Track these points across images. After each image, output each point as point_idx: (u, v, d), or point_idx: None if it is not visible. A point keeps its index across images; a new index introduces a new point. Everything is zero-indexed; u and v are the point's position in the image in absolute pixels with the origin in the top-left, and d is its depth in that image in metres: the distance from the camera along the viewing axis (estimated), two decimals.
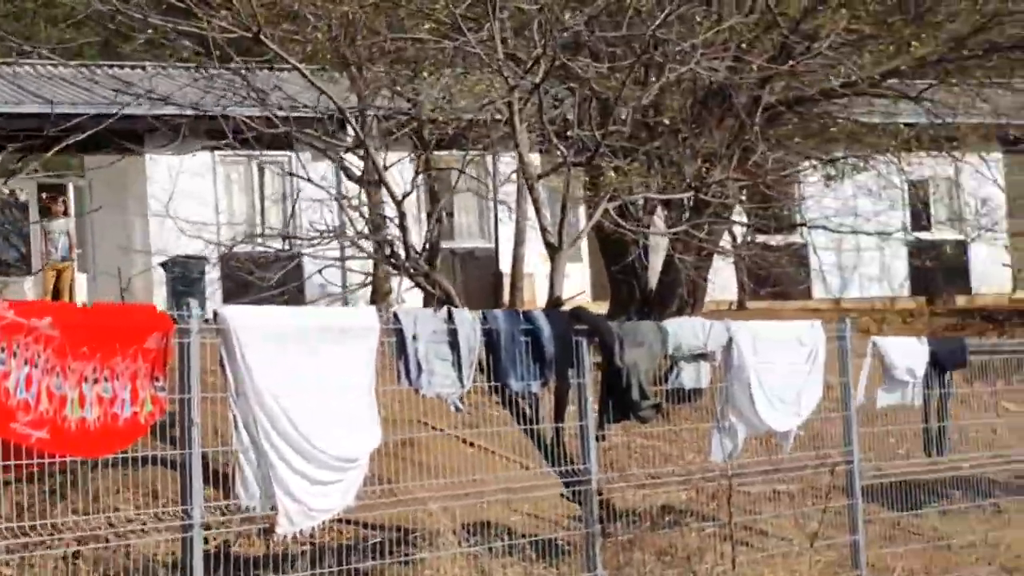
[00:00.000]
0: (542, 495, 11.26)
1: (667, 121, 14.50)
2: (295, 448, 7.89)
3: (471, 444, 12.46)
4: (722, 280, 24.84)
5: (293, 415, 7.87)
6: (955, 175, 28.11)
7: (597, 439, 9.93)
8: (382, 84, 15.14)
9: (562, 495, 10.67)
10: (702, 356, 10.75)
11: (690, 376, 10.67)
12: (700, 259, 17.26)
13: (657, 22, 11.62)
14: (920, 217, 29.33)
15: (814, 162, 22.14)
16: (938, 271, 29.36)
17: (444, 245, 24.65)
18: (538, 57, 10.86)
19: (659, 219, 16.98)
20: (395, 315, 8.46)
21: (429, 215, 19.59)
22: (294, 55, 13.49)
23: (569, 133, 11.15)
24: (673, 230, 14.64)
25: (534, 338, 9.42)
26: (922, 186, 28.62)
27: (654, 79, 12.11)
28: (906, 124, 19.65)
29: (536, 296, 22.68)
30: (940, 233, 29.65)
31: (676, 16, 14.07)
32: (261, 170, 22.04)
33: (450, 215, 25.03)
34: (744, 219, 22.97)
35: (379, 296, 18.63)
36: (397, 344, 8.55)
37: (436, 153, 16.89)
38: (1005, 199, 28.63)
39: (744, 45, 15.06)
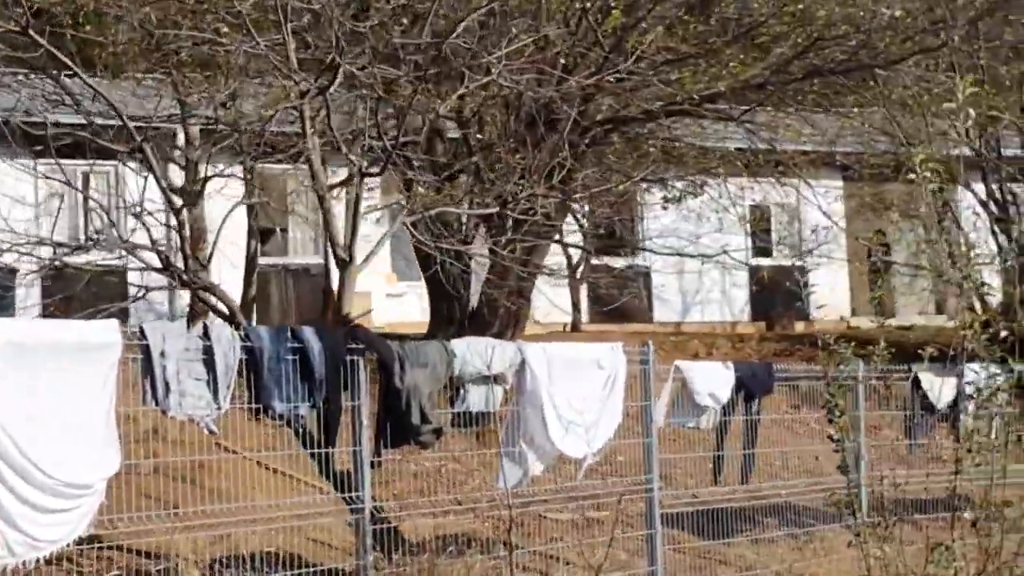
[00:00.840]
0: (326, 521, 10.70)
1: (480, 136, 14.01)
2: (20, 474, 7.22)
3: (271, 469, 11.88)
4: (565, 301, 24.53)
5: (18, 438, 7.20)
6: (796, 201, 28.12)
7: (372, 465, 9.37)
8: (198, 91, 14.47)
9: (348, 523, 10.11)
10: (493, 378, 10.25)
11: (478, 399, 10.15)
12: (522, 279, 16.79)
13: (457, 30, 11.09)
14: (761, 242, 29.24)
15: (648, 185, 21.91)
16: (778, 296, 29.29)
17: (278, 261, 24.04)
18: (330, 62, 10.28)
19: (481, 238, 16.51)
20: (141, 330, 7.82)
21: (251, 230, 18.96)
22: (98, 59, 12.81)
23: (364, 142, 10.62)
24: (471, 248, 14.08)
25: (303, 357, 8.84)
26: (763, 211, 28.55)
27: (462, 89, 11.58)
28: (738, 149, 19.43)
29: (372, 315, 22.06)
30: (780, 259, 29.59)
31: (496, 29, 13.65)
32: (85, 180, 21.12)
33: (283, 230, 24.36)
34: (578, 240, 22.82)
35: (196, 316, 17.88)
36: (143, 361, 7.92)
37: (265, 165, 16.27)
38: (845, 225, 28.67)
39: (564, 61, 14.64)
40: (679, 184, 20.91)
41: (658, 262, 26.78)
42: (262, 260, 20.61)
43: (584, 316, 25.17)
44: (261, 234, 20.33)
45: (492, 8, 12.95)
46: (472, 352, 10.03)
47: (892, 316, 29.69)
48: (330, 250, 10.94)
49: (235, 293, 15.35)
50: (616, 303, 26.01)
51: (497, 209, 11.75)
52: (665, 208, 23.07)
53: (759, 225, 28.53)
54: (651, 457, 11.55)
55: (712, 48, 14.76)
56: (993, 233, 21.53)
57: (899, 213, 22.47)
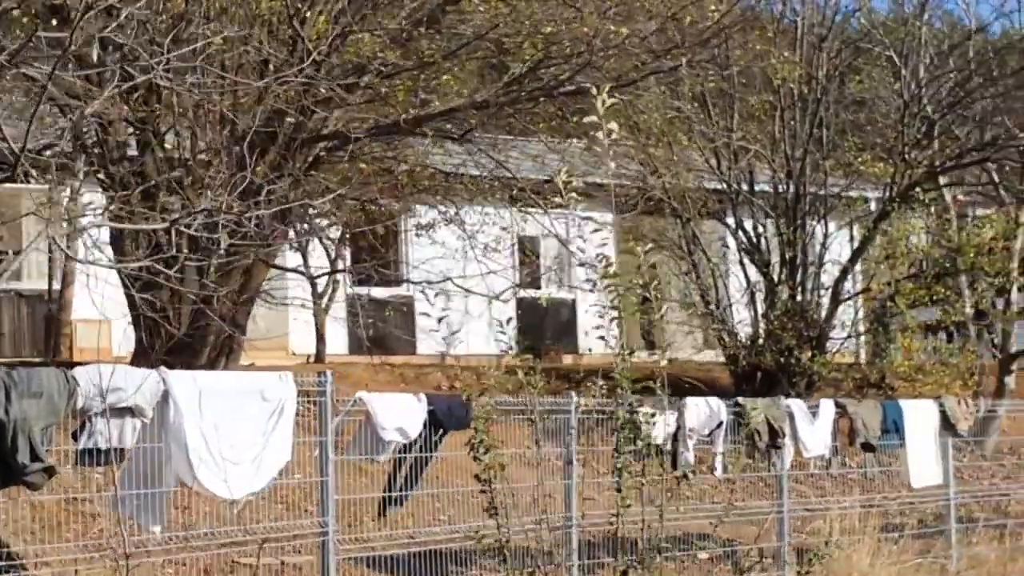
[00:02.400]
0: None
1: (166, 148, 12.85)
2: None
3: None
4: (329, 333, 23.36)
5: None
6: (566, 232, 27.40)
7: None
8: None
9: None
10: (128, 411, 9.03)
11: (108, 434, 8.92)
12: (237, 305, 15.58)
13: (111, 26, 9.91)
14: (529, 274, 28.38)
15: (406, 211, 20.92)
16: (547, 329, 28.48)
17: (9, 286, 22.33)
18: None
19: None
20: None
21: None
22: None
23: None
24: (128, 264, 12.77)
25: None
26: (531, 243, 27.76)
27: (112, 89, 10.36)
28: (474, 176, 18.47)
29: (101, 344, 20.57)
30: (549, 291, 28.76)
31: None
32: None
33: (16, 252, 22.68)
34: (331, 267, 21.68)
35: None
36: None
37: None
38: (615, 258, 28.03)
39: (268, 70, 13.55)
40: (435, 211, 19.89)
41: (422, 293, 25.71)
42: None
43: (344, 347, 23.99)
44: None
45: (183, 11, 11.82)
46: (100, 380, 8.80)
47: (662, 350, 29.20)
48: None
49: None
50: (378, 335, 24.91)
51: (166, 225, 10.51)
52: (418, 235, 22.09)
53: (530, 255, 27.63)
54: (327, 497, 10.44)
55: (429, 62, 13.77)
56: (742, 265, 20.98)
57: (650, 245, 21.76)
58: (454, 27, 14.91)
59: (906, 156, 20.17)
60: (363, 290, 24.61)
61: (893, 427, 15.37)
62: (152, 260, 10.62)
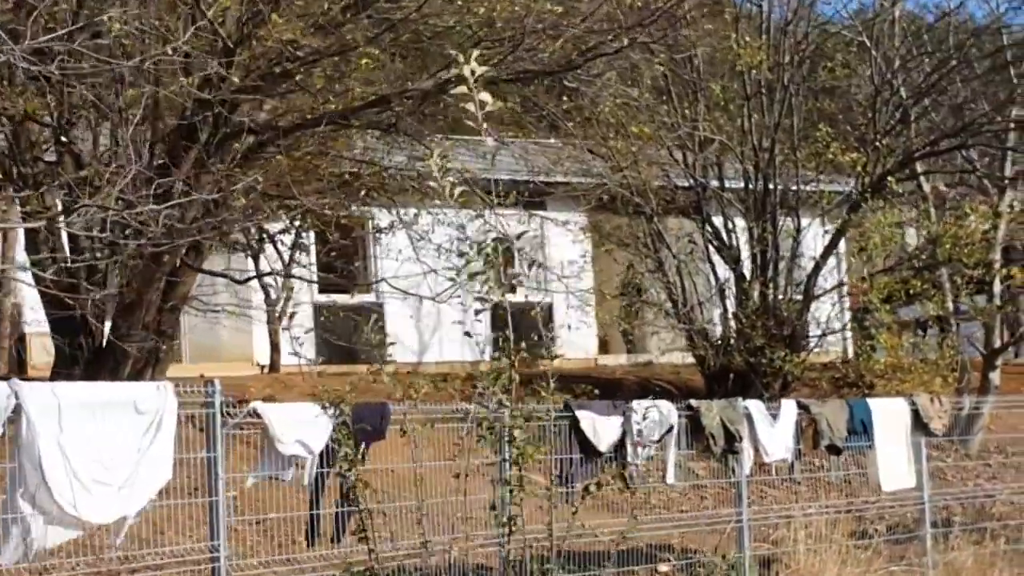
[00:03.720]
0: None
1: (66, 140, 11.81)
2: None
3: None
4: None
5: None
6: (540, 234, 26.34)
7: None
8: None
9: None
10: None
11: None
12: (161, 313, 14.52)
13: None
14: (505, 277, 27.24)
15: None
16: (523, 334, 27.30)
17: None
18: None
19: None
20: None
21: None
22: None
23: None
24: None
25: None
26: (506, 244, 26.66)
27: None
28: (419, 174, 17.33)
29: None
30: (525, 294, 27.65)
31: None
32: None
33: None
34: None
35: None
36: None
37: None
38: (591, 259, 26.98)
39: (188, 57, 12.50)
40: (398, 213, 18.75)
41: (393, 300, 24.63)
42: None
43: (309, 357, 22.84)
44: None
45: None
46: None
47: (636, 352, 28.14)
48: None
49: None
50: (347, 344, 23.83)
51: (43, 223, 9.47)
52: (376, 239, 21.02)
53: (505, 257, 26.43)
54: (217, 520, 9.36)
55: (352, 47, 12.67)
56: (710, 262, 19.88)
57: (615, 243, 20.75)
58: (386, 13, 13.85)
59: (878, 144, 19.05)
60: (325, 298, 23.62)
61: (861, 427, 14.27)
62: (59, 264, 9.54)
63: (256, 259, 20.09)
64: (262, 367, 21.27)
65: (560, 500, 12.29)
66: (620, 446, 12.33)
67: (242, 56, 12.98)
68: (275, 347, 21.13)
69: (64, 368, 14.33)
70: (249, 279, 16.51)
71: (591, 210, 21.05)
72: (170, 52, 12.03)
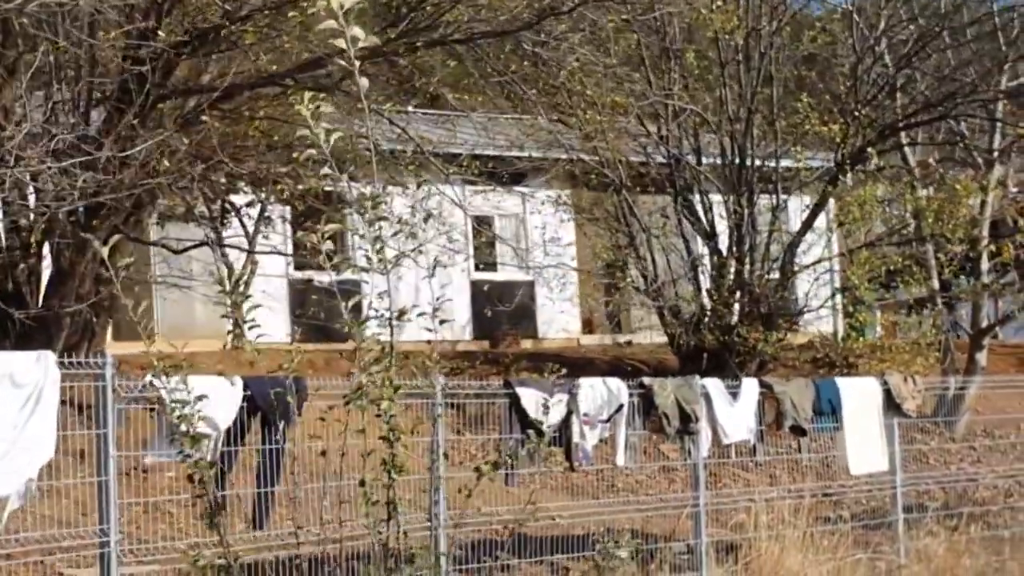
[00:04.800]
0: None
1: None
2: None
3: None
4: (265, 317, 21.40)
5: None
6: (522, 210, 25.54)
7: None
8: None
9: None
10: None
11: None
12: (98, 284, 13.77)
13: None
14: (484, 256, 26.46)
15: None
16: (503, 314, 26.53)
17: None
18: None
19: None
20: None
21: None
22: None
23: None
24: None
25: None
26: (487, 223, 25.84)
27: None
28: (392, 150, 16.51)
29: None
30: (506, 273, 26.85)
31: None
32: None
33: None
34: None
35: None
36: None
37: None
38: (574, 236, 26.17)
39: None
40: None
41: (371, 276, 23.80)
42: None
43: (284, 336, 22.12)
44: None
45: None
46: None
47: (622, 331, 27.32)
48: None
49: None
50: (319, 322, 23.07)
51: None
52: (348, 213, 20.19)
53: (485, 236, 25.67)
54: (107, 503, 8.59)
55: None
56: (683, 237, 19.03)
57: (586, 218, 19.92)
58: None
59: (858, 114, 18.18)
60: (301, 274, 22.88)
61: (829, 408, 13.46)
62: None
63: (218, 232, 19.31)
64: (224, 345, 20.48)
65: (500, 483, 11.67)
66: (566, 426, 11.54)
67: (174, 13, 12.25)
68: (237, 324, 20.33)
69: None
70: (185, 250, 15.72)
71: (559, 184, 20.27)
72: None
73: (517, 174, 20.65)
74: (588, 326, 27.97)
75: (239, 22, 11.90)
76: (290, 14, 11.64)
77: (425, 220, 15.96)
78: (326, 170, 5.82)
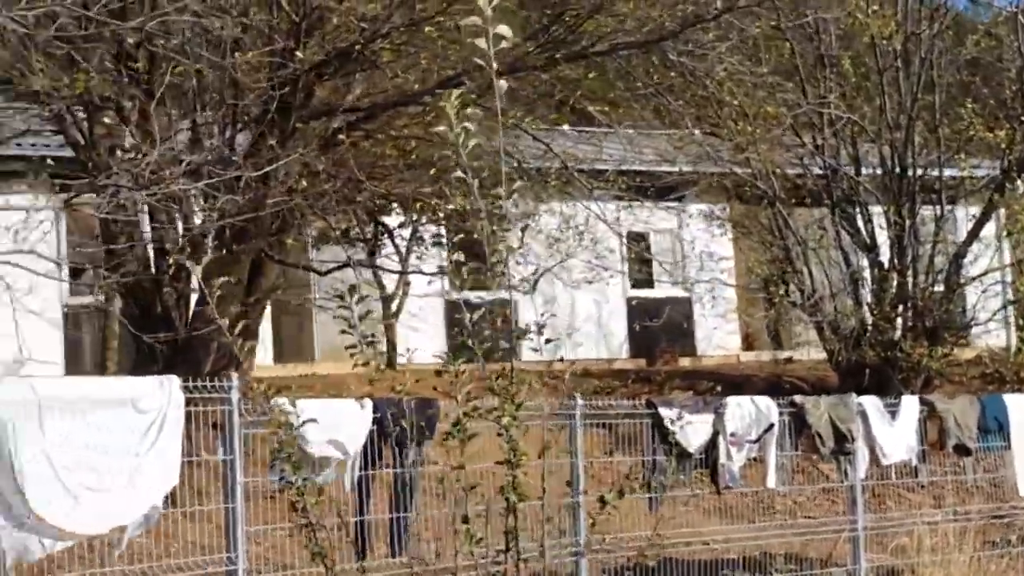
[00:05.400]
0: None
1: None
2: None
3: None
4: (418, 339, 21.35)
5: None
6: (677, 226, 25.01)
7: None
8: None
9: None
10: None
11: None
12: (245, 307, 13.66)
13: None
14: (640, 272, 25.95)
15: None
16: (660, 331, 25.96)
17: None
18: None
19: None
20: None
21: None
22: None
23: None
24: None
25: None
26: (642, 239, 25.35)
27: None
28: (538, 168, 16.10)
29: None
30: (662, 290, 26.27)
31: None
32: None
33: None
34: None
35: None
36: None
37: None
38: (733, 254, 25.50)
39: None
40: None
41: (524, 297, 23.58)
42: None
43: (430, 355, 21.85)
44: None
45: None
46: None
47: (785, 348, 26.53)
48: None
49: None
50: (476, 340, 22.79)
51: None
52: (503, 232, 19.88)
53: (641, 252, 25.16)
54: (235, 528, 8.36)
55: (424, 17, 11.55)
56: (841, 251, 18.29)
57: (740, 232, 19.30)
58: None
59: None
60: (456, 294, 22.68)
61: (995, 425, 12.68)
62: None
63: (372, 254, 19.22)
64: (377, 365, 20.29)
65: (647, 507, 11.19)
66: (712, 446, 11.01)
67: (315, 34, 12.08)
68: (392, 344, 20.21)
69: (144, 365, 13.54)
70: (329, 271, 15.55)
71: (711, 197, 19.71)
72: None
73: (667, 188, 20.16)
74: (748, 342, 27.22)
75: (378, 39, 11.64)
76: (426, 28, 11.33)
77: (579, 237, 15.62)
78: (459, 174, 5.44)
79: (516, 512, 5.81)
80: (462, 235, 16.99)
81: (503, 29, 5.43)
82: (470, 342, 6.21)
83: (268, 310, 21.31)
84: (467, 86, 12.47)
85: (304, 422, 6.04)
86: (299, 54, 11.71)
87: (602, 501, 6.15)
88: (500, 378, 6.02)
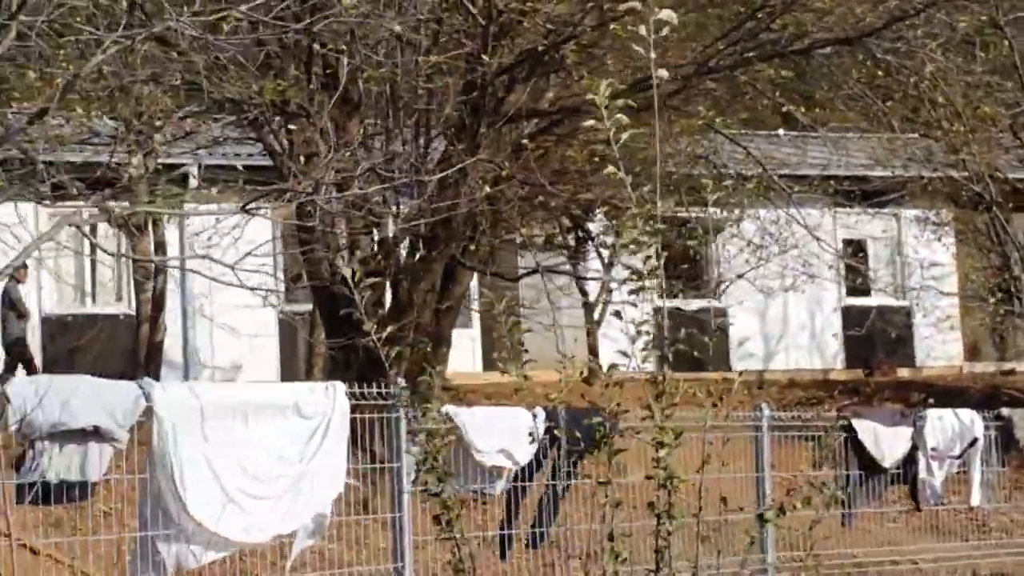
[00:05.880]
0: None
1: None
2: None
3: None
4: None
5: None
6: (896, 233, 24.09)
7: None
8: None
9: None
10: (94, 433, 7.04)
11: (64, 464, 6.93)
12: (439, 314, 13.56)
13: None
14: (856, 281, 25.06)
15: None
16: (878, 340, 25.03)
17: (84, 310, 19.96)
18: None
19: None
20: None
21: None
22: None
23: None
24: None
25: None
26: (858, 246, 24.49)
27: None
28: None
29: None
30: (879, 299, 25.33)
31: None
32: None
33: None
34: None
35: None
36: None
37: None
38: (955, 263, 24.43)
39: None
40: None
41: (739, 303, 23.04)
42: None
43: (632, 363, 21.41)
44: None
45: None
46: (50, 395, 6.84)
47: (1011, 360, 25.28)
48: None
49: None
50: (683, 350, 22.27)
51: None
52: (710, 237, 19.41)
53: (857, 260, 24.28)
54: (401, 538, 8.16)
55: (614, 16, 11.16)
56: None
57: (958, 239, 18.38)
58: None
59: None
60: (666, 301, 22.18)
61: None
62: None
63: (575, 259, 18.96)
64: (581, 374, 20.01)
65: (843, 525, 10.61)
66: (911, 461, 10.38)
67: (504, 40, 11.87)
68: (593, 352, 19.89)
69: (338, 372, 13.54)
70: (519, 278, 15.30)
71: (926, 203, 18.82)
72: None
73: (878, 193, 19.35)
74: (973, 353, 26.01)
75: (569, 41, 11.35)
76: (612, 26, 10.95)
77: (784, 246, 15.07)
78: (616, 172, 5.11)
79: (669, 534, 5.44)
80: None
81: (667, 14, 5.05)
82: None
83: (477, 318, 21.34)
84: (653, 91, 12.11)
85: (449, 430, 5.76)
86: (486, 58, 11.49)
87: (761, 518, 5.71)
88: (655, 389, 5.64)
